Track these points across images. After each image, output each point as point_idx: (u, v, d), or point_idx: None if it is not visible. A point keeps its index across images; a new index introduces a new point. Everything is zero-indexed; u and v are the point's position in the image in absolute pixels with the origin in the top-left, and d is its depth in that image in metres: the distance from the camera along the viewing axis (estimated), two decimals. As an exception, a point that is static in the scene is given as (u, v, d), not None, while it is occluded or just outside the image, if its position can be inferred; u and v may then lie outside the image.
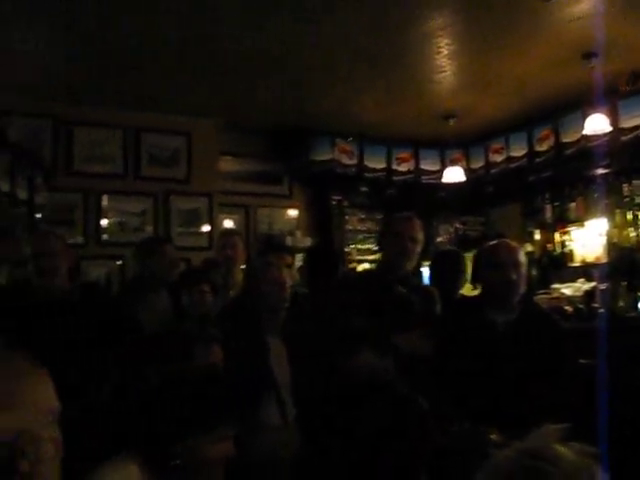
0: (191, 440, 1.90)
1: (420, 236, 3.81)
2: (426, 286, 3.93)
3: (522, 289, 3.30)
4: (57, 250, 3.96)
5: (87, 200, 6.85)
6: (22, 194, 5.61)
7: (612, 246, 7.21)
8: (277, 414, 3.23)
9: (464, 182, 8.19)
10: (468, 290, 5.40)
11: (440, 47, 5.67)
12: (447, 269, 4.89)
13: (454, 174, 8.09)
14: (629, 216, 7.31)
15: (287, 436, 3.11)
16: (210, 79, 6.27)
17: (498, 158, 8.37)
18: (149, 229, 7.06)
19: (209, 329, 3.59)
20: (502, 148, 8.31)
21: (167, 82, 6.29)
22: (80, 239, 6.73)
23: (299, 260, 6.19)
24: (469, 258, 5.81)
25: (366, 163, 8.33)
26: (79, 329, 3.66)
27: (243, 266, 5.36)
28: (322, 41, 5.51)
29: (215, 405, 1.94)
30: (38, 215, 6.04)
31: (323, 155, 8.04)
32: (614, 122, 6.67)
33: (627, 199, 7.29)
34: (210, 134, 7.39)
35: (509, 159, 8.21)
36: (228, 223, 7.79)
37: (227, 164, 7.84)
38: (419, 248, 3.81)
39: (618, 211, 7.35)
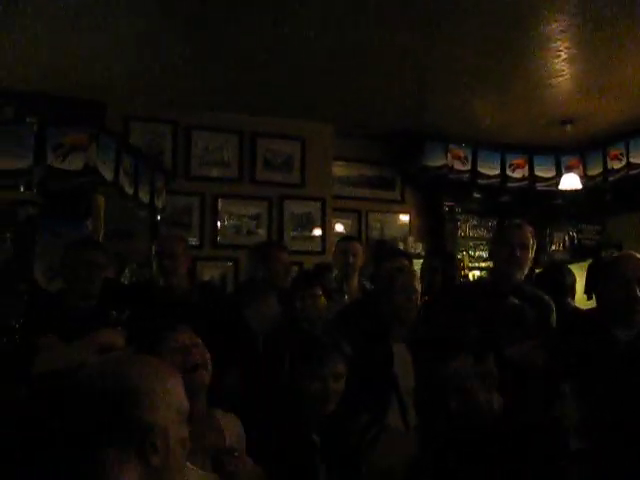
0: None
1: (531, 242, 3.75)
2: (541, 294, 3.84)
3: None
4: (179, 252, 4.12)
5: (203, 203, 7.05)
6: (144, 197, 5.83)
7: None
8: (399, 419, 3.24)
9: (581, 189, 7.99)
10: (581, 301, 5.30)
11: (559, 51, 5.54)
12: (553, 281, 4.81)
13: (570, 181, 7.91)
14: None
15: (407, 441, 3.10)
16: (324, 84, 6.33)
17: (617, 165, 8.10)
18: (263, 232, 7.19)
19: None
20: (621, 154, 8.03)
21: (283, 87, 6.39)
22: (196, 241, 6.91)
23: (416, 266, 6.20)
24: (584, 267, 5.71)
25: (479, 169, 8.23)
26: (198, 330, 3.78)
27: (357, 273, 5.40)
28: (438, 45, 5.48)
29: None
30: (158, 217, 6.27)
31: (436, 161, 8.00)
32: None
33: None
34: (324, 139, 7.48)
35: (629, 165, 7.92)
36: (340, 227, 7.85)
37: (340, 169, 7.92)
38: (531, 255, 3.76)
39: None
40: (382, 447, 3.01)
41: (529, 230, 3.78)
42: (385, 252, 5.78)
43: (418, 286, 3.64)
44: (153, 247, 4.24)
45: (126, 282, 5.46)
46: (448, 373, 2.51)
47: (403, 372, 3.34)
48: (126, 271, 5.47)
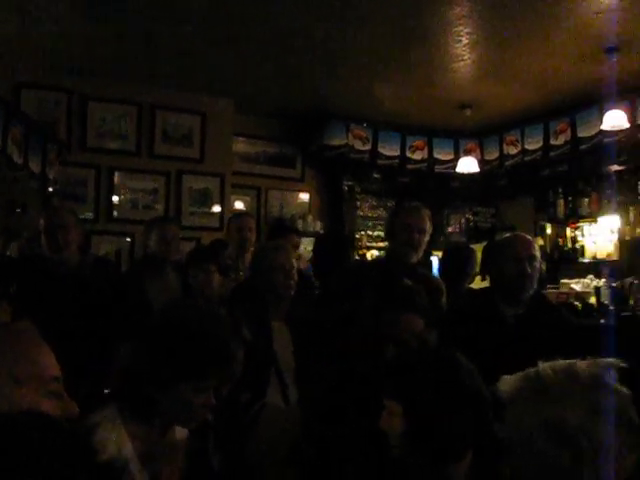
0: (176, 387, 1.92)
1: (428, 227, 3.83)
2: (433, 277, 3.91)
3: (535, 283, 3.29)
4: (69, 224, 3.97)
5: (99, 176, 6.84)
6: (35, 168, 5.60)
7: (623, 243, 7.19)
8: (279, 396, 3.24)
9: (477, 173, 8.15)
10: (477, 282, 5.43)
11: (460, 36, 5.61)
12: (458, 266, 4.90)
13: (468, 164, 8.05)
14: (643, 214, 7.28)
15: (288, 417, 3.11)
16: (227, 59, 6.22)
17: (513, 150, 8.32)
18: (160, 207, 7.04)
19: None
20: (517, 140, 8.25)
21: (184, 60, 6.25)
22: (91, 215, 6.72)
23: (309, 244, 6.20)
24: (479, 249, 5.84)
25: (380, 150, 8.29)
26: (90, 303, 3.68)
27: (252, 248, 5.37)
28: (340, 26, 5.45)
29: (202, 353, 1.95)
30: (50, 189, 6.05)
31: (337, 140, 8.00)
32: (631, 119, 6.62)
33: (640, 197, 7.25)
34: (225, 114, 7.37)
35: (524, 152, 8.15)
36: (239, 204, 7.78)
37: (241, 145, 7.84)
38: (427, 238, 3.82)
39: (631, 208, 7.33)
40: (264, 424, 3.01)
41: (427, 214, 3.83)
42: (275, 230, 5.77)
43: (295, 263, 3.62)
44: (42, 220, 4.06)
45: (13, 256, 5.25)
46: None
47: (282, 350, 3.33)
48: (12, 245, 5.23)
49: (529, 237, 3.45)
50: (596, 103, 6.94)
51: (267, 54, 6.07)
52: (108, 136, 6.90)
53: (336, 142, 7.99)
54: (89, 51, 6.03)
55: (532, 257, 3.26)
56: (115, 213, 6.91)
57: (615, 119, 6.40)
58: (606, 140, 7.00)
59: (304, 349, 3.36)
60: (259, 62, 6.27)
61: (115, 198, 6.91)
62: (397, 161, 8.44)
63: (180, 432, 2.09)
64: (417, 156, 8.56)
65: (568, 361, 1.50)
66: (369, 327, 2.80)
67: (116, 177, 6.91)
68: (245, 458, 2.81)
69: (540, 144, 7.93)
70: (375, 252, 8.42)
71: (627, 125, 6.45)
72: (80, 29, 5.52)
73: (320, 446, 2.60)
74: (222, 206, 7.33)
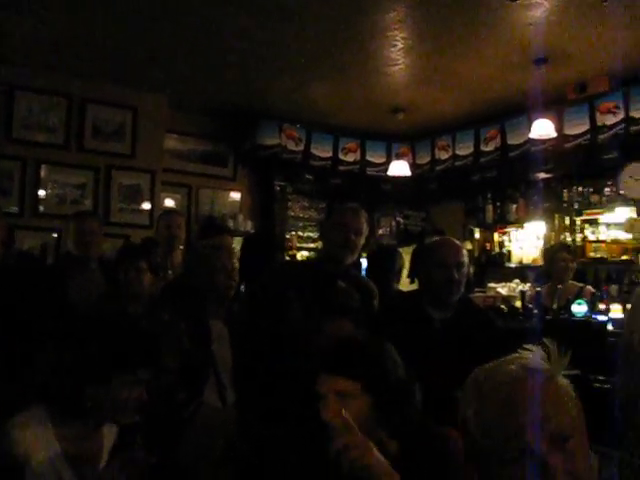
0: (104, 383, 1.89)
1: (365, 229, 3.81)
2: (366, 280, 3.92)
3: (462, 289, 3.33)
4: (-11, 218, 3.86)
5: (25, 169, 6.63)
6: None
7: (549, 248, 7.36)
8: (216, 396, 3.21)
9: (409, 177, 8.23)
10: (405, 284, 5.48)
11: (396, 40, 5.65)
12: (384, 266, 4.93)
13: (399, 168, 8.11)
14: (567, 221, 7.48)
15: (224, 418, 3.08)
16: (160, 55, 6.13)
17: (444, 155, 8.43)
18: (88, 203, 6.88)
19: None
20: (448, 145, 8.37)
21: (116, 53, 6.13)
22: (15, 209, 6.53)
23: (238, 244, 6.17)
24: (408, 252, 5.90)
25: (312, 151, 8.30)
26: (12, 297, 3.58)
27: (181, 247, 5.31)
28: (276, 25, 5.43)
29: (131, 349, 1.93)
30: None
31: (270, 140, 7.98)
32: (559, 128, 6.79)
33: (566, 204, 7.46)
34: (157, 110, 7.25)
35: (455, 157, 8.28)
36: (170, 202, 7.68)
37: (173, 142, 7.74)
38: (363, 241, 3.81)
39: (557, 215, 7.51)
40: (199, 424, 2.98)
41: (364, 216, 3.83)
42: (207, 229, 5.71)
43: (237, 264, 3.59)
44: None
45: None
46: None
47: (221, 350, 3.30)
48: None
49: (458, 242, 3.47)
50: (525, 112, 7.09)
51: (201, 51, 6.01)
52: (35, 128, 6.69)
53: (269, 142, 7.96)
54: (16, 39, 5.83)
55: (460, 263, 3.29)
56: (41, 208, 6.71)
57: (543, 128, 6.54)
58: (534, 148, 7.17)
59: (242, 349, 3.33)
60: (193, 59, 6.20)
61: (41, 192, 6.71)
62: (329, 162, 8.46)
63: (108, 432, 2.06)
64: (349, 158, 8.59)
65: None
66: (299, 331, 2.80)
67: (43, 170, 6.72)
68: (179, 457, 2.78)
69: (471, 150, 8.07)
70: (305, 253, 8.44)
71: (554, 134, 6.61)
72: (5, 15, 5.35)
73: (255, 446, 2.58)
74: (152, 203, 7.22)
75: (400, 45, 5.77)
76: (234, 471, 2.71)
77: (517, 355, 1.50)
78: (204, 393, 3.17)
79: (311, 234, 8.61)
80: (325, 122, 8.17)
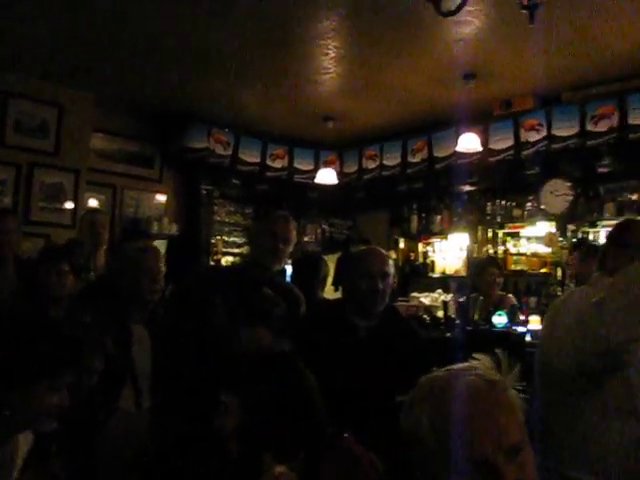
0: (23, 388, 1.85)
1: (293, 238, 3.81)
2: (291, 287, 3.92)
3: (387, 298, 3.35)
4: None
5: (-60, 164, 6.41)
6: None
7: (471, 260, 7.51)
8: (132, 401, 3.16)
9: (336, 185, 8.26)
10: (330, 292, 5.50)
11: (328, 49, 5.68)
12: (309, 273, 4.95)
13: (327, 176, 8.13)
14: (489, 234, 7.64)
15: (139, 423, 3.04)
16: (89, 51, 5.98)
17: (371, 165, 8.50)
18: (8, 201, 6.66)
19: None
20: (376, 155, 8.44)
21: (42, 48, 5.97)
22: None
23: (163, 247, 6.10)
24: (333, 260, 5.93)
25: (240, 156, 8.25)
26: None
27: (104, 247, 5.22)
28: (208, 27, 5.38)
29: (52, 353, 1.89)
30: None
31: (198, 143, 7.90)
32: (484, 143, 6.94)
33: (489, 217, 7.62)
34: (84, 108, 7.08)
35: (382, 167, 8.35)
36: (94, 202, 7.50)
37: (99, 141, 7.57)
38: (290, 249, 3.81)
39: (480, 227, 7.67)
40: (113, 429, 2.95)
41: (294, 224, 3.83)
42: (130, 231, 5.64)
43: (163, 268, 3.55)
44: None
45: None
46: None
47: (140, 355, 3.25)
48: None
49: (384, 252, 3.47)
50: (452, 125, 7.21)
51: (130, 50, 5.89)
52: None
53: (197, 145, 7.89)
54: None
55: (385, 274, 3.28)
56: (-43, 204, 6.50)
57: (469, 142, 6.67)
58: (460, 161, 7.29)
59: (163, 354, 3.29)
60: (122, 57, 6.08)
61: (-42, 188, 6.50)
62: (257, 168, 8.43)
63: (23, 439, 2.00)
64: (277, 164, 8.59)
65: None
66: (223, 337, 2.78)
67: (-40, 166, 6.51)
68: (92, 462, 2.73)
69: (398, 160, 8.16)
70: (230, 258, 8.38)
71: (480, 148, 6.75)
72: None
73: (176, 447, 2.55)
74: (75, 203, 7.03)
75: (332, 54, 5.80)
76: (144, 476, 2.67)
77: (471, 365, 1.50)
78: (120, 398, 3.12)
79: (237, 239, 8.57)
80: (254, 127, 8.15)
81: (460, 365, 1.50)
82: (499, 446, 1.36)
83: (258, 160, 8.42)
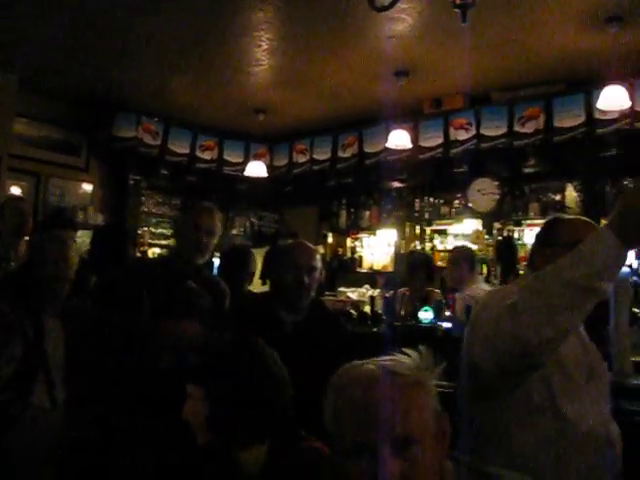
0: None
1: (218, 230, 3.78)
2: (217, 279, 3.88)
3: (313, 293, 3.34)
4: None
5: None
6: None
7: (399, 256, 7.57)
8: (46, 396, 3.08)
9: (265, 178, 8.22)
10: (257, 286, 5.48)
11: (261, 41, 5.64)
12: (237, 266, 4.93)
13: (256, 169, 8.08)
14: (417, 230, 7.71)
15: (53, 418, 2.97)
16: (12, 32, 5.77)
17: (301, 159, 8.50)
18: None
19: None
20: (306, 149, 8.44)
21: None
22: None
23: (88, 237, 5.97)
24: (261, 253, 5.90)
25: (170, 146, 8.14)
26: None
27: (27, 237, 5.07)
28: (139, 12, 5.27)
29: None
30: None
31: (126, 132, 7.76)
32: (414, 140, 7.00)
33: (417, 214, 7.69)
34: (6, 91, 6.85)
35: (312, 161, 8.35)
36: (16, 190, 7.28)
37: (22, 126, 7.34)
38: (215, 241, 3.78)
39: (408, 224, 7.74)
40: (26, 424, 2.88)
41: (219, 217, 3.79)
42: (50, 220, 5.49)
43: (75, 258, 3.46)
44: None
45: None
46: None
47: (54, 347, 3.17)
48: None
49: (311, 246, 3.46)
50: (383, 121, 7.23)
51: (57, 32, 5.71)
52: None
53: (125, 134, 7.75)
54: None
55: (312, 268, 3.27)
56: None
57: (399, 138, 6.71)
58: (389, 157, 7.33)
59: (78, 347, 3.21)
60: (48, 39, 5.88)
61: None
62: (186, 159, 8.34)
63: None
64: (207, 156, 8.50)
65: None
66: (149, 330, 2.73)
67: None
68: (5, 457, 2.65)
69: (328, 155, 8.17)
70: (157, 250, 8.27)
71: (409, 145, 6.80)
72: None
73: (88, 445, 2.50)
74: (-4, 191, 6.84)
75: (265, 46, 5.76)
76: (58, 472, 2.61)
77: (385, 357, 1.51)
78: (33, 392, 3.04)
79: (164, 231, 8.46)
80: (184, 118, 8.05)
81: (377, 358, 1.52)
82: (387, 436, 1.38)
83: (187, 151, 8.33)
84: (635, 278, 5.89)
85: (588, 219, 2.50)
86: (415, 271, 5.98)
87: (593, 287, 1.68)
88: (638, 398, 3.34)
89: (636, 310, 5.68)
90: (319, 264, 3.37)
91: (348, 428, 1.43)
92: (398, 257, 7.64)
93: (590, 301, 1.73)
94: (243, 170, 8.28)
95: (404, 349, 1.52)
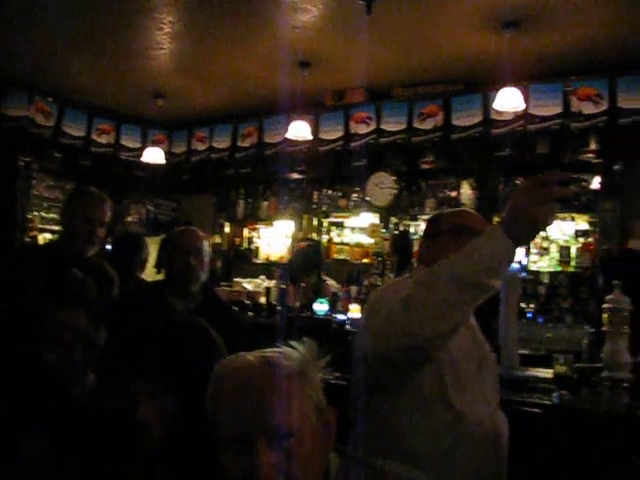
0: None
1: (108, 219, 3.71)
2: (106, 267, 3.79)
3: (203, 277, 3.35)
4: None
5: None
6: None
7: (294, 247, 7.57)
8: None
9: (163, 165, 8.08)
10: (153, 275, 5.40)
11: (163, 23, 5.50)
12: (129, 253, 4.86)
13: (154, 155, 7.92)
14: (315, 222, 7.74)
15: None
16: None
17: (201, 147, 8.38)
18: None
19: None
20: (206, 137, 8.33)
21: None
22: None
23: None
24: (157, 242, 5.81)
25: (64, 128, 7.84)
26: None
27: None
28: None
29: None
30: None
31: (16, 110, 7.39)
32: (315, 132, 7.01)
33: (315, 206, 7.71)
34: None
35: (211, 149, 8.26)
36: None
37: None
38: (105, 231, 3.71)
39: (305, 216, 7.75)
40: None
41: (109, 204, 3.71)
42: None
43: None
44: None
45: None
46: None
47: None
48: None
49: (198, 231, 3.50)
50: (285, 112, 7.20)
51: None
52: None
53: (15, 112, 7.38)
54: None
55: (197, 250, 3.33)
56: None
57: (299, 130, 6.70)
58: (289, 149, 7.33)
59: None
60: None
61: None
62: (81, 142, 8.07)
63: None
64: (103, 140, 8.25)
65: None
66: (30, 323, 2.63)
67: None
68: None
69: (228, 144, 8.09)
70: (48, 235, 8.00)
71: (310, 137, 6.81)
72: None
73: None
74: None
75: (167, 29, 5.62)
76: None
77: (270, 349, 1.50)
78: None
79: (55, 215, 8.15)
80: (81, 99, 7.79)
81: (261, 350, 1.51)
82: (261, 427, 1.37)
83: (83, 134, 8.05)
84: (524, 274, 6.12)
85: (470, 209, 2.59)
86: (306, 262, 6.02)
87: (482, 283, 1.71)
88: (524, 389, 3.46)
89: (524, 305, 5.92)
90: (206, 248, 3.41)
91: (225, 419, 1.42)
92: (292, 248, 7.63)
93: (479, 297, 1.77)
94: (140, 156, 8.10)
95: (290, 341, 1.52)
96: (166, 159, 8.09)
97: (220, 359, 1.89)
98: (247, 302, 6.16)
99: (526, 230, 1.68)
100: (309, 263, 5.97)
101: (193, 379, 1.81)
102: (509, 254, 1.70)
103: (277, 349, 1.50)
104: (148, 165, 8.07)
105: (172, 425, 1.84)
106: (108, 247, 5.45)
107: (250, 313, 6.14)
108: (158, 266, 5.67)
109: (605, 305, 3.52)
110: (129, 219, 8.86)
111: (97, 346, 2.45)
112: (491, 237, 1.71)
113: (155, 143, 8.40)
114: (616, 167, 6.05)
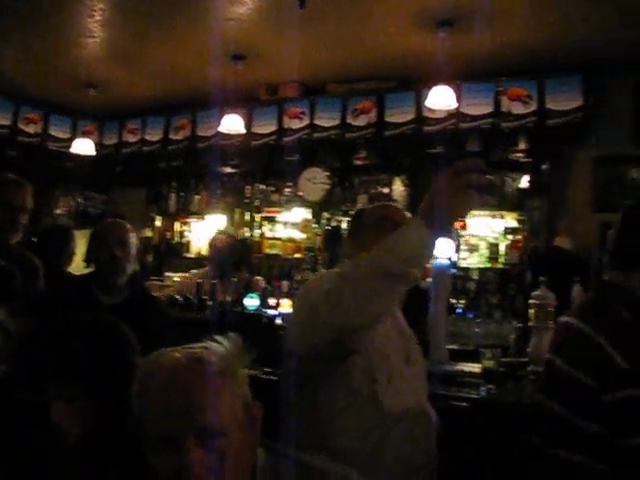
0: None
1: (29, 204, 3.62)
2: (30, 257, 3.71)
3: (129, 269, 3.32)
4: None
5: None
6: None
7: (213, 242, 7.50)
8: None
9: (93, 156, 7.91)
10: (81, 269, 5.29)
11: (94, 11, 5.36)
12: (56, 246, 4.78)
13: (84, 146, 7.75)
14: (247, 216, 7.71)
15: None
16: None
17: (132, 139, 8.27)
18: None
19: None
20: (137, 129, 8.22)
21: None
22: None
23: None
24: (86, 235, 5.70)
25: (-12, 116, 7.66)
26: None
27: None
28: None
29: None
30: None
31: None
32: (248, 126, 6.98)
33: (247, 200, 7.68)
34: None
35: (143, 142, 8.15)
36: None
37: None
38: (27, 217, 3.62)
39: (237, 210, 7.71)
40: None
41: (29, 191, 3.63)
42: None
43: None
44: None
45: None
46: None
47: None
48: None
49: (125, 223, 3.47)
50: (218, 106, 7.14)
51: None
52: None
53: None
54: None
55: (122, 242, 3.29)
56: None
57: (232, 123, 6.65)
58: (222, 142, 7.27)
59: None
60: None
61: None
62: (7, 132, 7.87)
63: None
64: (30, 129, 8.05)
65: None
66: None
67: None
68: None
69: (160, 136, 8.01)
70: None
71: (243, 131, 6.76)
72: None
73: None
74: None
75: (98, 17, 5.49)
76: None
77: (194, 345, 1.48)
78: None
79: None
80: (7, 87, 7.57)
81: (187, 346, 1.48)
82: (190, 425, 1.35)
83: (9, 123, 7.86)
84: (454, 271, 6.21)
85: (391, 203, 2.63)
86: (233, 257, 5.99)
87: (401, 273, 1.70)
88: (453, 384, 3.50)
89: (454, 301, 6.00)
90: (133, 240, 3.37)
91: (153, 418, 1.38)
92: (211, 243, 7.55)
93: (398, 287, 1.76)
94: (70, 147, 7.92)
95: (215, 336, 1.49)
96: (96, 151, 7.92)
97: (134, 354, 1.87)
98: (177, 297, 6.08)
99: (443, 219, 1.68)
100: (235, 258, 5.94)
101: (107, 377, 1.77)
102: (427, 244, 1.69)
103: (203, 344, 1.47)
104: (78, 156, 7.89)
105: (92, 424, 1.78)
106: (34, 240, 5.35)
107: (178, 307, 6.08)
108: (87, 260, 5.56)
109: (531, 301, 3.60)
110: (58, 211, 8.68)
111: (13, 337, 2.38)
112: (410, 227, 1.70)
113: (85, 134, 8.24)
114: (544, 166, 6.20)
